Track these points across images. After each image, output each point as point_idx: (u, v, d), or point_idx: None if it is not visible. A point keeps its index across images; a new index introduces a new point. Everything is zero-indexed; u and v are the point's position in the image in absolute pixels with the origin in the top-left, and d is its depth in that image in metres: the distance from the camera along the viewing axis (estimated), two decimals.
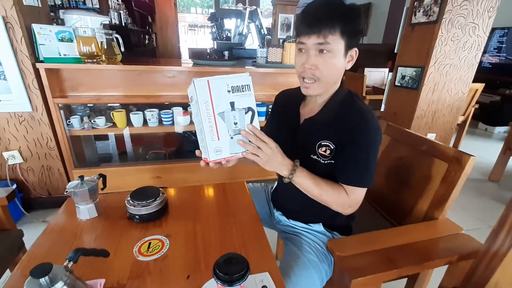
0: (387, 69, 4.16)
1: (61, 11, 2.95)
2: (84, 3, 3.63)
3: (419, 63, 2.01)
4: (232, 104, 0.68)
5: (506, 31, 4.29)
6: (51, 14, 2.41)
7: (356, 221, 0.99)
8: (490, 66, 4.60)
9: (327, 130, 0.80)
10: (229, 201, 0.98)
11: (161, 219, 0.86)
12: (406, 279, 1.06)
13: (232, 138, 0.70)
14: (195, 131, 0.90)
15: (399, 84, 2.21)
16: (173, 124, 1.95)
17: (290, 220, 0.98)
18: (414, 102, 2.08)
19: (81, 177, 0.84)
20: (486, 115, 4.18)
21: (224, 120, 0.68)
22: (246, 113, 0.70)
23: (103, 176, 0.91)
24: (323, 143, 0.80)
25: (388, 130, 1.23)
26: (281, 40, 3.17)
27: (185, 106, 1.98)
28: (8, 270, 1.01)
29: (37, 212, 1.86)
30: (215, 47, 3.94)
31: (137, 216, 0.83)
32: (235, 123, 0.69)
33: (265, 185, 1.19)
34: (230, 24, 4.29)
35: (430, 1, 1.88)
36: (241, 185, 1.07)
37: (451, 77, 2.04)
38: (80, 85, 1.76)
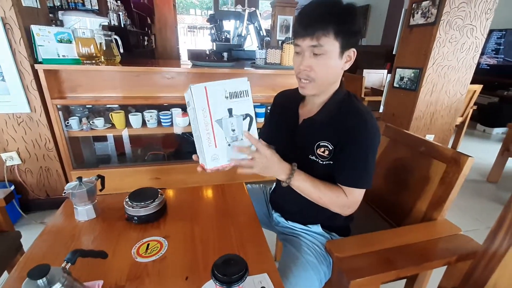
0: (385, 71, 4.18)
1: (60, 12, 2.95)
2: (83, 4, 3.64)
3: (417, 64, 2.02)
4: (230, 110, 0.67)
5: (504, 33, 4.32)
6: (50, 15, 2.42)
7: (354, 222, 0.99)
8: (488, 67, 4.62)
9: (326, 131, 0.80)
10: (228, 202, 0.98)
11: (159, 220, 0.86)
12: (405, 280, 1.06)
13: (229, 145, 0.69)
14: None
15: (397, 86, 2.22)
16: (172, 125, 1.95)
17: (289, 221, 0.98)
18: (412, 103, 2.09)
19: (80, 178, 0.84)
20: (484, 116, 4.20)
21: (222, 127, 0.67)
22: (244, 119, 0.69)
23: (101, 177, 0.91)
24: (322, 143, 0.80)
25: (387, 131, 1.23)
26: (280, 42, 3.18)
27: (184, 107, 1.97)
28: (6, 272, 1.01)
29: (35, 213, 1.85)
30: (214, 48, 3.95)
31: (135, 217, 0.82)
32: (233, 130, 0.69)
33: (263, 186, 1.19)
34: (229, 25, 4.31)
35: (428, 3, 1.89)
36: (239, 186, 1.07)
37: (449, 79, 2.04)
38: (78, 86, 1.76)
